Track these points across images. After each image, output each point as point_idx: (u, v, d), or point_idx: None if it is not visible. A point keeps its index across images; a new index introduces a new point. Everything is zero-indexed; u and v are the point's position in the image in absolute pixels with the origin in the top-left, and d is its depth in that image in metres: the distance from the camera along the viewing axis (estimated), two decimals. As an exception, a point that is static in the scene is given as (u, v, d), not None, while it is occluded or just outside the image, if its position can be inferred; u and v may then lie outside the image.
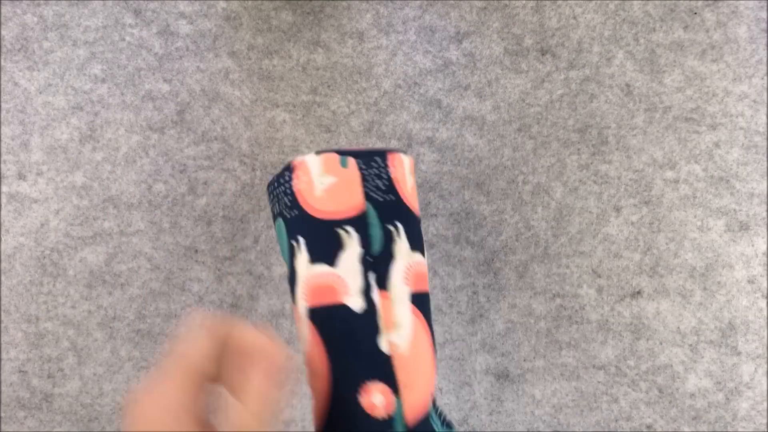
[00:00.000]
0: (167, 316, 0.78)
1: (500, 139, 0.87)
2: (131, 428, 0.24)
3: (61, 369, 0.80)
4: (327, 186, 0.31)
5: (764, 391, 0.74)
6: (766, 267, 0.80)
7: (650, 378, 0.78)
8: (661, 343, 0.78)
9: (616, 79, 0.90)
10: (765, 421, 0.73)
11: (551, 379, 0.80)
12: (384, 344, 0.33)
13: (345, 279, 0.32)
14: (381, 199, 0.32)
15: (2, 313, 0.81)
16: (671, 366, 0.78)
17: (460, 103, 0.88)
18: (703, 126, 0.87)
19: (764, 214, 0.82)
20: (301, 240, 0.31)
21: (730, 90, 0.90)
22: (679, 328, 0.78)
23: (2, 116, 0.86)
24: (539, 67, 0.91)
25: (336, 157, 0.31)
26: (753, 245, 0.81)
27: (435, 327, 0.82)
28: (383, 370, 0.33)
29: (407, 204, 0.34)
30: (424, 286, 0.34)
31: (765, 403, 0.74)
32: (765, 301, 0.78)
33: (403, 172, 0.35)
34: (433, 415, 0.36)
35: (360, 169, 0.32)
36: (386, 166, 0.31)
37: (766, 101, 0.89)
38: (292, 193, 0.32)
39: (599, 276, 0.81)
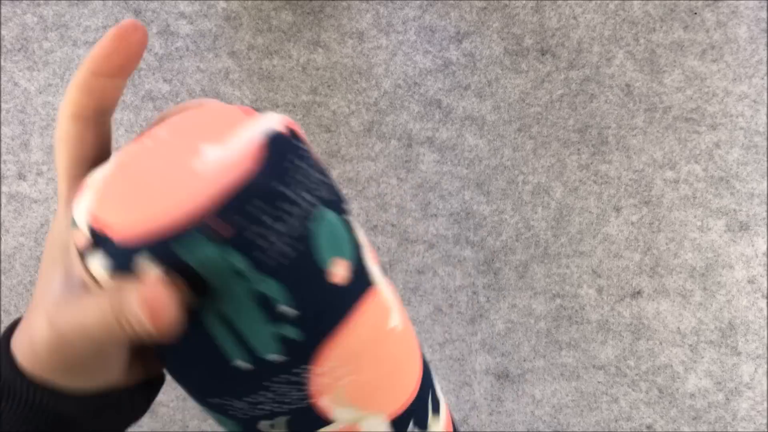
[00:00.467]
0: (167, 316, 0.79)
1: (500, 139, 0.87)
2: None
3: (61, 369, 0.80)
4: None
5: (764, 391, 0.74)
6: (766, 267, 0.80)
7: (650, 378, 0.78)
8: (661, 343, 0.78)
9: (616, 79, 0.90)
10: (765, 421, 0.73)
11: (551, 379, 0.80)
12: None
13: None
14: None
15: (2, 313, 0.81)
16: (671, 366, 0.78)
17: (460, 103, 0.88)
18: (703, 126, 0.87)
19: (764, 214, 0.82)
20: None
21: (730, 90, 0.90)
22: (679, 328, 0.78)
23: (2, 116, 0.86)
24: (539, 67, 0.91)
25: None
26: (753, 245, 0.81)
27: (435, 327, 0.82)
28: None
29: None
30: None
31: (765, 403, 0.74)
32: (765, 301, 0.78)
33: None
34: None
35: None
36: None
37: (766, 101, 0.89)
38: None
39: (599, 276, 0.81)
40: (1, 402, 0.23)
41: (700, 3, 0.95)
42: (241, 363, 0.24)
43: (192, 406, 0.71)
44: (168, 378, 0.73)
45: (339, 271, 0.26)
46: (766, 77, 0.90)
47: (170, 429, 0.70)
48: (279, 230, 0.22)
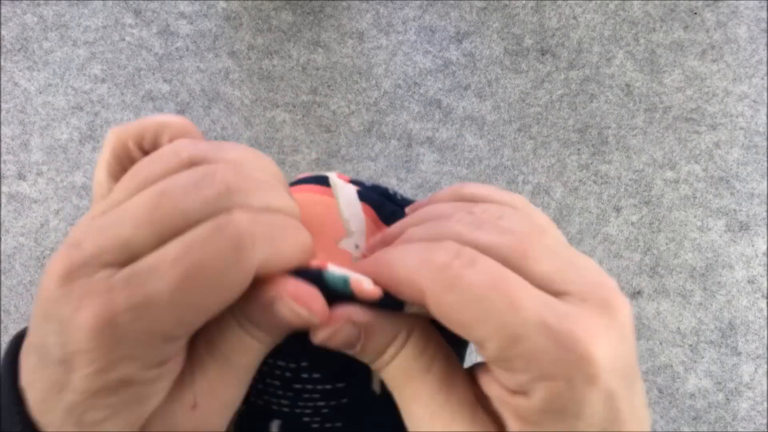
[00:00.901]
0: (167, 316, 0.79)
1: (500, 139, 0.87)
2: None
3: (61, 369, 0.80)
4: None
5: (764, 391, 0.74)
6: (766, 267, 0.80)
7: (650, 378, 0.78)
8: (661, 343, 0.78)
9: (616, 79, 0.90)
10: (765, 421, 0.73)
11: (551, 379, 0.80)
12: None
13: None
14: None
15: (2, 313, 0.81)
16: (671, 366, 0.78)
17: (460, 103, 0.88)
18: (703, 126, 0.87)
19: (764, 214, 0.82)
20: None
21: (730, 90, 0.90)
22: (679, 328, 0.78)
23: (2, 116, 0.86)
24: (539, 67, 0.91)
25: None
26: (753, 245, 0.81)
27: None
28: None
29: None
30: None
31: (765, 403, 0.74)
32: (765, 301, 0.78)
33: None
34: None
35: None
36: None
37: (766, 101, 0.89)
38: None
39: (599, 276, 0.81)
40: None
41: (700, 3, 0.95)
42: None
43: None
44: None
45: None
46: (766, 77, 0.90)
47: (170, 429, 0.71)
48: None
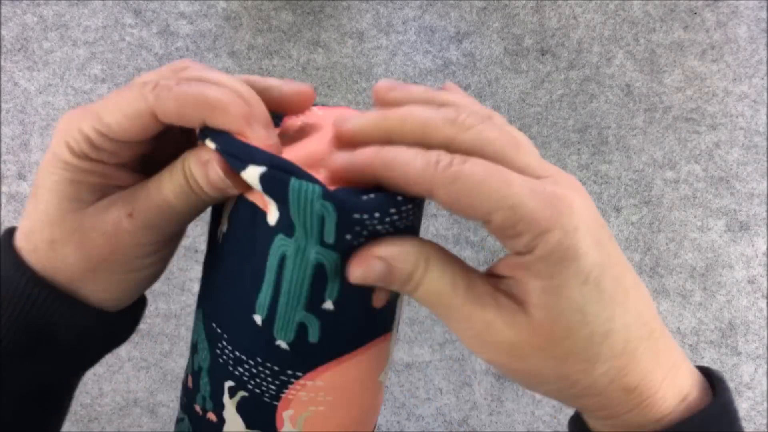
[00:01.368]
0: (167, 316, 0.78)
1: (500, 139, 0.87)
2: None
3: (61, 369, 0.80)
4: None
5: (764, 391, 0.74)
6: (766, 267, 0.80)
7: (650, 378, 0.78)
8: (661, 343, 0.78)
9: (616, 79, 0.90)
10: (765, 421, 0.73)
11: (551, 379, 0.79)
12: None
13: None
14: None
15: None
16: (671, 366, 0.78)
17: (460, 103, 0.88)
18: (703, 126, 0.87)
19: (764, 214, 0.82)
20: None
21: (730, 90, 0.90)
22: (679, 328, 0.78)
23: (2, 116, 0.86)
24: (539, 67, 0.91)
25: None
26: (753, 245, 0.81)
27: (435, 327, 0.82)
28: None
29: None
30: None
31: (765, 403, 0.74)
32: (765, 301, 0.78)
33: None
34: None
35: None
36: None
37: (766, 101, 0.89)
38: None
39: (599, 276, 0.81)
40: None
41: (700, 3, 0.95)
42: (258, 319, 0.26)
43: (192, 406, 0.71)
44: (168, 378, 0.73)
45: (381, 296, 0.26)
46: (766, 77, 0.90)
47: (170, 429, 0.71)
48: (377, 224, 0.24)
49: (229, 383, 0.28)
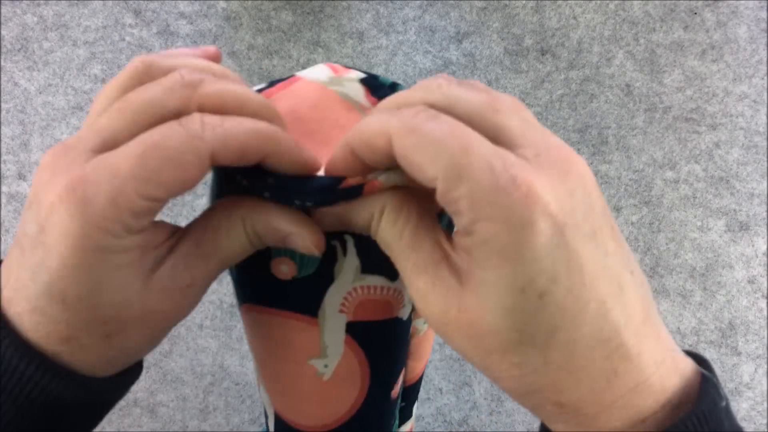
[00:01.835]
0: (167, 316, 0.78)
1: (500, 139, 0.87)
2: None
3: (61, 369, 0.80)
4: None
5: (764, 391, 0.74)
6: (766, 267, 0.80)
7: (650, 378, 0.78)
8: (661, 343, 0.78)
9: (616, 79, 0.90)
10: (765, 421, 0.73)
11: (551, 379, 0.79)
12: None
13: (401, 291, 0.29)
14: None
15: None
16: (671, 366, 0.78)
17: (460, 103, 0.88)
18: (703, 126, 0.87)
19: (764, 214, 0.82)
20: (350, 248, 0.26)
21: (730, 90, 0.90)
22: (679, 328, 0.78)
23: (2, 116, 0.86)
24: (539, 67, 0.91)
25: None
26: (753, 245, 0.81)
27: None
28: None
29: None
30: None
31: (765, 403, 0.74)
32: (765, 301, 0.78)
33: None
34: None
35: None
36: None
37: (766, 101, 0.89)
38: None
39: (599, 276, 0.81)
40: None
41: (700, 3, 0.95)
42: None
43: (192, 406, 0.71)
44: (168, 378, 0.73)
45: (282, 269, 0.26)
46: (766, 77, 0.90)
47: (170, 429, 0.70)
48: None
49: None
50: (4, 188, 0.83)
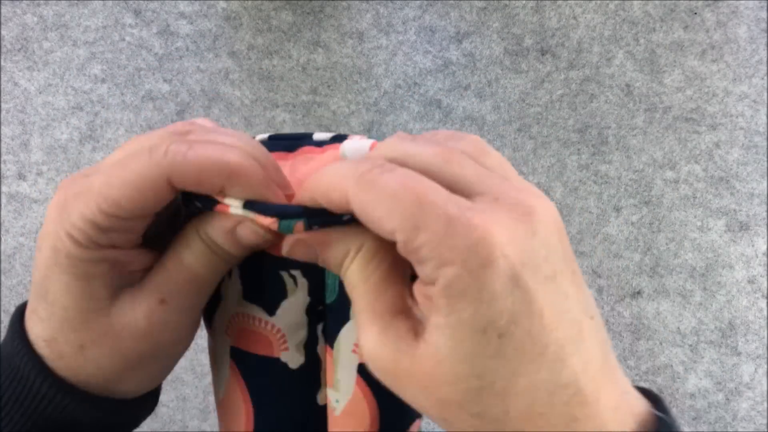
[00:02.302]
0: (167, 316, 0.79)
1: (500, 139, 0.87)
2: None
3: (61, 369, 0.80)
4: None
5: (764, 391, 0.74)
6: (766, 267, 0.80)
7: (650, 378, 0.78)
8: (661, 343, 0.78)
9: (616, 79, 0.90)
10: (765, 421, 0.73)
11: (551, 379, 0.79)
12: (321, 398, 0.30)
13: (284, 332, 0.28)
14: None
15: (2, 313, 0.81)
16: (671, 366, 0.78)
17: (460, 103, 0.88)
18: (703, 126, 0.87)
19: (764, 214, 0.82)
20: (235, 270, 0.27)
21: (730, 90, 0.90)
22: (679, 328, 0.78)
23: (2, 116, 0.86)
24: (539, 67, 0.91)
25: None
26: (753, 245, 0.81)
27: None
28: (318, 425, 0.31)
29: None
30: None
31: (765, 403, 0.74)
32: (765, 301, 0.78)
33: None
34: None
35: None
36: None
37: (766, 101, 0.89)
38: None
39: (599, 276, 0.81)
40: (5, 407, 0.23)
41: (700, 3, 0.95)
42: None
43: (192, 406, 0.71)
44: (167, 378, 0.73)
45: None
46: (766, 77, 0.90)
47: (170, 429, 0.71)
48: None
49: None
50: (4, 188, 0.83)
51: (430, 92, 0.89)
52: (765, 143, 0.86)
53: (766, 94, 0.89)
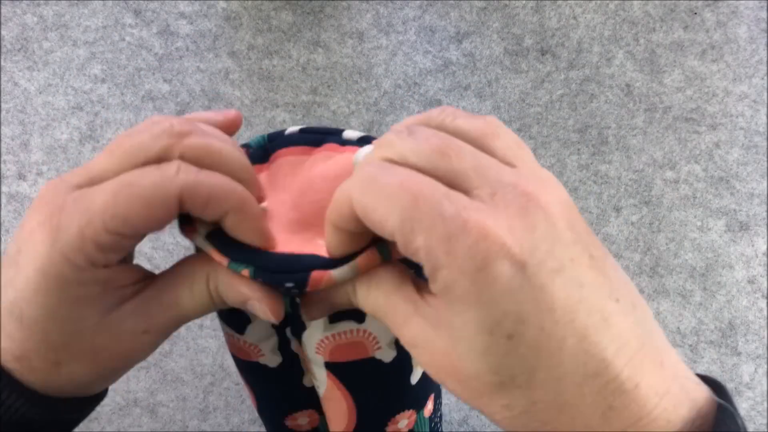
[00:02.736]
0: (167, 316, 0.78)
1: (500, 139, 0.87)
2: None
3: (61, 369, 0.80)
4: None
5: (764, 391, 0.74)
6: (766, 267, 0.80)
7: (650, 378, 0.78)
8: (661, 343, 0.78)
9: (616, 79, 0.90)
10: (765, 421, 0.73)
11: (551, 379, 0.79)
12: (307, 381, 0.33)
13: (257, 344, 0.30)
14: None
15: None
16: (671, 366, 0.78)
17: (460, 103, 0.88)
18: (703, 126, 0.87)
19: (764, 214, 0.82)
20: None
21: (730, 90, 0.90)
22: (679, 328, 0.78)
23: (2, 116, 0.86)
24: (539, 67, 0.91)
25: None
26: (753, 245, 0.81)
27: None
28: (310, 400, 0.34)
29: None
30: (356, 356, 0.30)
31: (765, 403, 0.74)
32: (765, 301, 0.78)
33: None
34: None
35: None
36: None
37: (766, 101, 0.89)
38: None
39: (599, 276, 0.81)
40: None
41: (700, 3, 0.95)
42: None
43: (192, 406, 0.71)
44: (168, 378, 0.73)
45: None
46: (766, 77, 0.90)
47: (170, 429, 0.71)
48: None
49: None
50: (4, 188, 0.83)
51: (430, 92, 0.89)
52: (765, 143, 0.86)
53: (766, 94, 0.89)
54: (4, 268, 0.22)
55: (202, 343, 0.74)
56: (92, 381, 0.25)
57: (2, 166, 0.84)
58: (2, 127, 0.85)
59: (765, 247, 0.81)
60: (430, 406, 0.36)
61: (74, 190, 0.22)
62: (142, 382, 0.72)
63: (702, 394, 0.21)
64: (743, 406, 0.74)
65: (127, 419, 0.70)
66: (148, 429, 0.70)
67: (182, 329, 0.77)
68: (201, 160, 0.22)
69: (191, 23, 0.92)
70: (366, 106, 0.87)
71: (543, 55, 0.91)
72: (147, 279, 0.25)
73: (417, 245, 0.19)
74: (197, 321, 0.75)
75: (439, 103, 0.88)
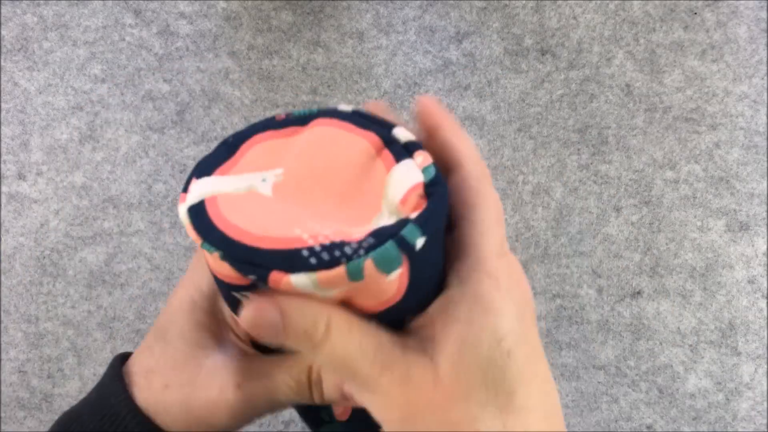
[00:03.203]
0: (167, 316, 0.78)
1: (500, 139, 0.87)
2: None
3: (61, 369, 0.80)
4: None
5: (764, 392, 0.74)
6: (766, 267, 0.80)
7: (650, 378, 0.78)
8: (661, 344, 0.78)
9: (616, 79, 0.90)
10: (765, 421, 0.73)
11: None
12: None
13: None
14: None
15: (2, 313, 0.81)
16: (671, 366, 0.78)
17: (460, 103, 0.88)
18: (703, 126, 0.87)
19: (764, 214, 0.82)
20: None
21: (730, 90, 0.90)
22: (679, 328, 0.78)
23: (2, 116, 0.86)
24: (539, 67, 0.91)
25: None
26: (753, 245, 0.81)
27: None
28: None
29: None
30: None
31: (765, 404, 0.74)
32: (765, 301, 0.78)
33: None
34: None
35: None
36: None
37: (766, 101, 0.89)
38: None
39: (599, 276, 0.81)
40: None
41: (700, 3, 0.95)
42: None
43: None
44: (168, 378, 0.73)
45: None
46: (766, 77, 0.90)
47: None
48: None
49: None
50: (4, 188, 0.83)
51: (430, 92, 0.89)
52: (765, 143, 0.86)
53: (766, 94, 0.89)
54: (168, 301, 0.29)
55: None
56: (179, 423, 0.27)
57: (2, 166, 0.84)
58: (2, 127, 0.86)
59: (765, 247, 0.81)
60: None
61: None
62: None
63: None
64: (743, 406, 0.74)
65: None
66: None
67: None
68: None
69: (191, 23, 0.92)
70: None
71: (543, 55, 0.91)
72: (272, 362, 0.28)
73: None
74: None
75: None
